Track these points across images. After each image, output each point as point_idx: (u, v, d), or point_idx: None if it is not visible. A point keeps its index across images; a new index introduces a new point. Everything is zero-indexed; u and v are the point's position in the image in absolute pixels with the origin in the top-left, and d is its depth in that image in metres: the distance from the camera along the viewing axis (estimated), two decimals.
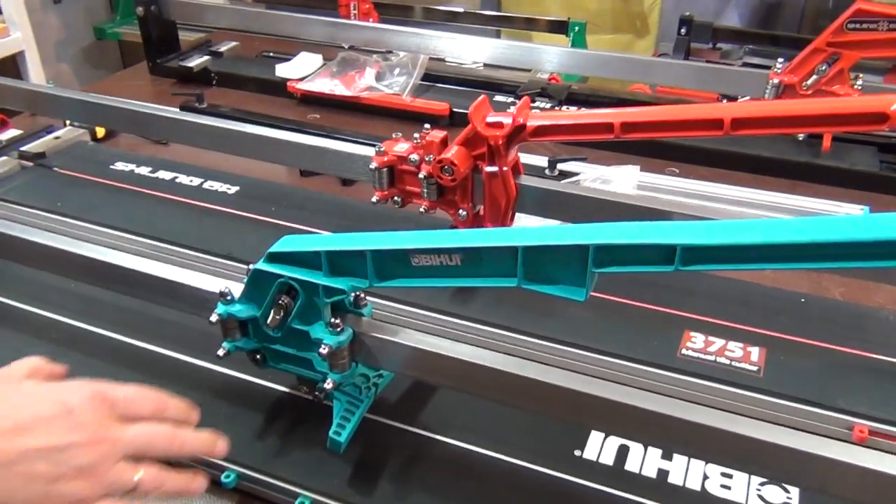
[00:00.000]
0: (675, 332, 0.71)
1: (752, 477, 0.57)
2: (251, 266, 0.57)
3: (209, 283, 0.59)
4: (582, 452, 0.59)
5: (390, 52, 1.37)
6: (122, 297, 0.71)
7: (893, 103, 0.56)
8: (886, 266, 0.37)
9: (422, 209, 0.76)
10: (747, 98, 1.24)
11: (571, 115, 0.68)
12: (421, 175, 0.73)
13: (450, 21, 2.05)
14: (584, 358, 0.67)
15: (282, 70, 1.39)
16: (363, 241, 0.52)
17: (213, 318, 0.57)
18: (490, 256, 0.48)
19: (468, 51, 1.29)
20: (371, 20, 1.87)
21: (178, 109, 1.17)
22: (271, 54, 1.53)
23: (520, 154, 0.74)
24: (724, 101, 1.45)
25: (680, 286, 0.77)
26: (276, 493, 0.58)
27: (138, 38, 2.31)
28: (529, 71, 1.59)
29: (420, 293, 0.74)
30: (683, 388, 0.64)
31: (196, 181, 0.99)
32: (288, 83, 1.34)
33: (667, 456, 0.59)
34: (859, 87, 1.00)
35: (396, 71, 1.33)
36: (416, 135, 0.74)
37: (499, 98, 1.31)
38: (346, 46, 1.54)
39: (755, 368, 0.66)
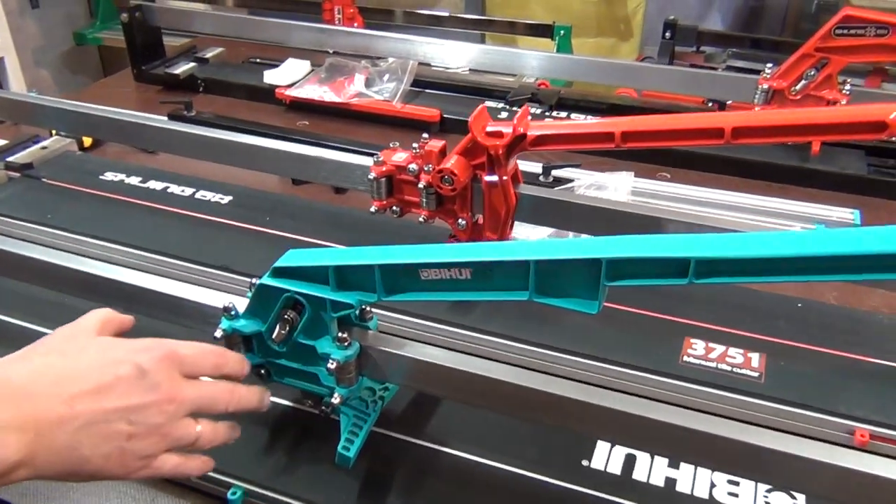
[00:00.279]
0: (675, 339, 0.71)
1: (759, 484, 0.57)
2: (254, 280, 0.56)
3: (212, 298, 0.59)
4: (589, 462, 0.59)
5: (379, 57, 1.36)
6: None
7: (892, 112, 0.56)
8: None
9: (421, 219, 0.75)
10: (730, 102, 1.26)
11: (572, 124, 0.68)
12: (420, 185, 0.73)
13: (434, 25, 2.05)
14: (589, 367, 0.67)
15: (270, 76, 1.38)
16: (371, 256, 0.51)
17: (218, 333, 0.56)
18: (501, 270, 0.48)
19: (457, 56, 1.29)
20: (356, 25, 1.87)
21: (166, 118, 1.16)
22: (258, 60, 1.52)
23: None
24: (710, 104, 1.47)
25: (677, 293, 0.78)
26: None
27: (119, 43, 2.30)
28: (515, 76, 1.60)
29: (420, 303, 0.74)
30: (687, 395, 0.64)
31: (188, 191, 0.98)
32: (276, 90, 1.33)
33: (674, 464, 0.59)
34: (847, 92, 1.02)
35: (386, 77, 1.32)
36: (414, 144, 0.74)
37: (489, 103, 1.31)
38: (331, 52, 1.54)
39: (756, 374, 0.67)
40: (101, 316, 0.51)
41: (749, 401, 0.64)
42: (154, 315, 0.63)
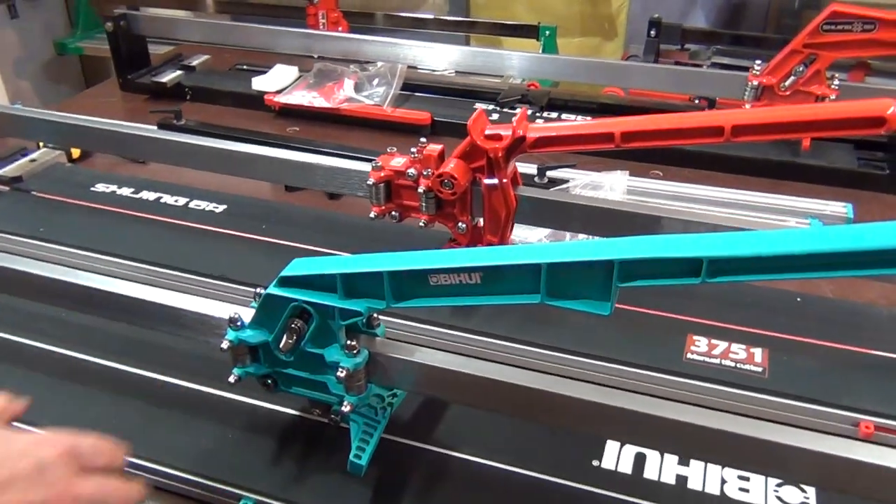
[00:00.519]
0: (678, 337, 0.72)
1: (769, 479, 0.58)
2: (259, 290, 0.56)
3: (216, 309, 0.58)
4: (600, 462, 0.60)
5: (368, 62, 1.36)
6: (112, 324, 0.70)
7: (890, 107, 0.57)
8: None
9: (421, 223, 0.75)
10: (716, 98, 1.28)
11: (571, 125, 0.68)
12: (420, 189, 0.73)
13: (419, 28, 2.05)
14: (595, 367, 0.67)
15: (258, 83, 1.37)
16: (379, 262, 0.51)
17: (225, 344, 0.56)
18: (512, 274, 0.48)
19: (446, 59, 1.29)
20: (340, 29, 1.86)
21: (156, 127, 1.15)
22: (244, 67, 1.51)
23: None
24: (697, 101, 1.48)
25: (677, 290, 0.78)
26: None
27: (101, 52, 2.29)
28: (502, 77, 1.60)
29: (423, 308, 0.74)
30: (694, 392, 0.65)
31: (181, 201, 0.97)
32: (265, 96, 1.33)
33: (684, 462, 0.59)
34: (836, 87, 1.03)
35: (375, 81, 1.32)
36: (413, 149, 0.74)
37: (480, 105, 1.31)
38: (316, 57, 1.53)
39: (760, 370, 0.67)
40: None
41: (754, 396, 0.64)
42: (156, 328, 0.62)
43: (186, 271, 0.80)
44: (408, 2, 2.45)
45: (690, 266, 0.43)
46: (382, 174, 0.75)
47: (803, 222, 0.91)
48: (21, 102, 1.11)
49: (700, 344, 0.71)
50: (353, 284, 0.52)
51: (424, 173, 0.73)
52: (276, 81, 1.38)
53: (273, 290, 0.54)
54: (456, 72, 1.60)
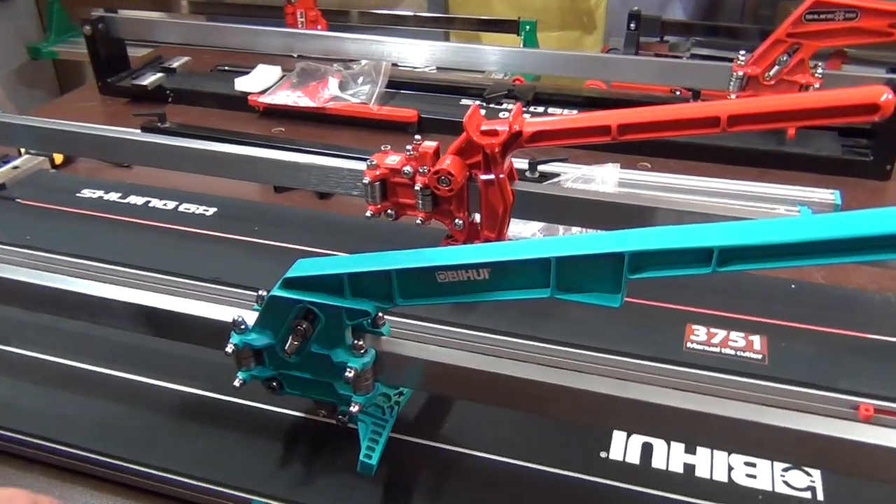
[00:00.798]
0: (677, 327, 0.72)
1: (775, 464, 0.58)
2: (262, 293, 0.55)
3: (218, 313, 0.58)
4: (608, 454, 0.60)
5: (351, 60, 1.35)
6: (109, 331, 0.68)
7: (882, 94, 0.58)
8: None
9: (418, 221, 0.75)
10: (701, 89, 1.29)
11: (567, 119, 0.68)
12: (417, 187, 0.73)
13: (398, 25, 2.04)
14: (599, 360, 0.68)
15: (241, 84, 1.36)
16: (386, 261, 0.51)
17: (229, 348, 0.55)
18: (521, 269, 0.48)
19: (429, 56, 1.29)
20: (319, 27, 1.85)
21: (139, 130, 1.13)
22: (226, 68, 1.50)
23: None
24: (677, 92, 1.49)
25: (674, 280, 0.79)
26: None
27: (76, 56, 2.26)
28: (483, 73, 1.60)
29: (423, 305, 0.74)
30: (696, 381, 0.65)
31: (171, 204, 0.96)
32: (249, 97, 1.32)
33: (690, 450, 0.60)
34: (820, 76, 1.04)
35: (360, 79, 1.32)
36: (408, 146, 0.74)
37: (465, 101, 1.31)
38: (296, 56, 1.52)
39: (760, 357, 0.68)
40: None
41: (756, 383, 0.65)
42: (157, 334, 0.62)
43: (181, 276, 0.79)
44: None
45: (701, 255, 0.43)
46: (378, 172, 0.75)
47: (793, 210, 0.92)
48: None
49: (699, 333, 0.71)
50: (360, 284, 0.52)
51: (420, 171, 0.73)
52: (259, 82, 1.36)
53: (277, 291, 0.54)
54: (437, 68, 1.60)
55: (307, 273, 0.53)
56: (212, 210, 0.95)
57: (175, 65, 1.48)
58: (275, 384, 0.58)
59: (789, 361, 0.68)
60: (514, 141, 0.70)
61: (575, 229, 0.86)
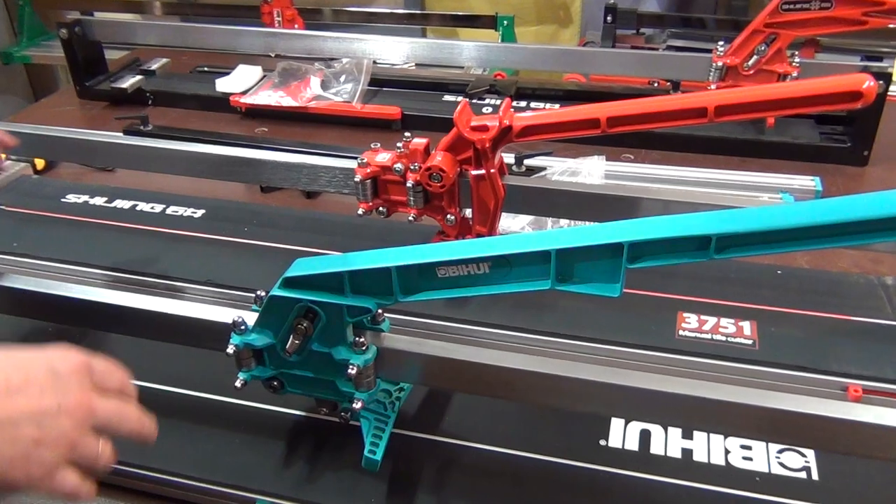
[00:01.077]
0: (668, 315, 0.73)
1: (770, 446, 0.60)
2: (260, 293, 0.56)
3: (217, 314, 0.58)
4: (607, 441, 0.61)
5: (332, 59, 1.35)
6: (107, 337, 0.68)
7: (864, 82, 0.59)
8: None
9: (410, 217, 0.75)
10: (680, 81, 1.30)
11: (557, 113, 0.69)
12: (408, 184, 0.73)
13: (375, 22, 2.04)
14: (594, 349, 0.69)
15: (222, 84, 1.35)
16: (385, 258, 0.51)
17: (230, 349, 0.55)
18: (521, 261, 0.48)
19: (409, 53, 1.29)
20: (296, 26, 1.85)
21: (122, 134, 1.12)
22: (206, 69, 1.49)
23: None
24: (656, 84, 1.51)
25: (663, 269, 0.80)
26: None
27: (49, 60, 2.23)
28: (463, 68, 1.60)
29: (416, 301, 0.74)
30: (690, 368, 0.67)
31: (158, 207, 0.95)
32: (230, 98, 1.31)
33: (687, 435, 0.61)
34: (797, 64, 1.06)
35: (342, 78, 1.31)
36: (398, 144, 0.74)
37: (448, 98, 1.31)
38: (273, 55, 1.51)
39: (750, 342, 0.70)
40: None
41: (748, 367, 0.67)
42: (154, 337, 0.62)
43: (174, 279, 0.79)
44: None
45: (699, 243, 0.44)
46: (369, 170, 0.75)
47: (775, 197, 0.93)
48: None
49: (690, 321, 0.73)
50: (360, 281, 0.52)
51: (412, 167, 0.73)
52: (240, 82, 1.36)
53: (277, 291, 0.54)
54: (416, 64, 1.60)
55: (307, 272, 0.53)
56: (200, 212, 0.94)
57: (154, 67, 1.46)
58: (276, 384, 0.58)
59: (779, 346, 0.69)
60: (505, 136, 0.71)
61: (563, 222, 0.87)
